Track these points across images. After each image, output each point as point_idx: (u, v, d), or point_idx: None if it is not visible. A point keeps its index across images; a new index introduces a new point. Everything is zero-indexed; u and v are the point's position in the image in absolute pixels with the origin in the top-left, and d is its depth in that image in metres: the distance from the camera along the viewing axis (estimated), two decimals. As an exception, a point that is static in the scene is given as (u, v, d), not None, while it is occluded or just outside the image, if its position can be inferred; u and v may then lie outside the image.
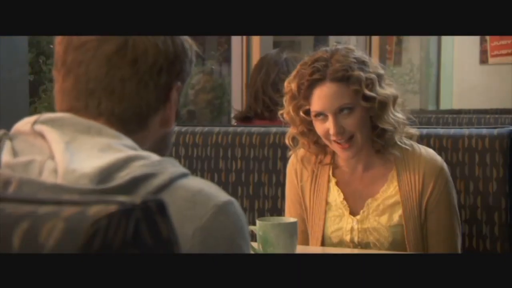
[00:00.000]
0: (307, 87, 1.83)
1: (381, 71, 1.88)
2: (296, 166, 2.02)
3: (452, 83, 6.39)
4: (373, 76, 1.84)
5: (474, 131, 2.15)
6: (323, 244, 1.96)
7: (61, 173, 0.83)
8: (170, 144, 1.05)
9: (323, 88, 1.82)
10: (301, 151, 2.02)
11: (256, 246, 1.70)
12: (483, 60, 6.22)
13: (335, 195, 1.95)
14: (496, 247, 2.07)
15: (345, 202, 1.94)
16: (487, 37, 6.16)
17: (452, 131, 2.17)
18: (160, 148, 1.01)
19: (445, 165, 1.92)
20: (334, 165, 1.98)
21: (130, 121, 0.95)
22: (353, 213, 1.93)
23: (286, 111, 1.91)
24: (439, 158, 1.92)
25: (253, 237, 1.74)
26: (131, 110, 0.95)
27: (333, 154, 1.96)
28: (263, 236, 1.68)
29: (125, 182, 0.82)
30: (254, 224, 1.74)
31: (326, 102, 1.82)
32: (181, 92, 1.02)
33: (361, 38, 5.44)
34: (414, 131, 1.96)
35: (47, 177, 0.84)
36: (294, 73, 1.89)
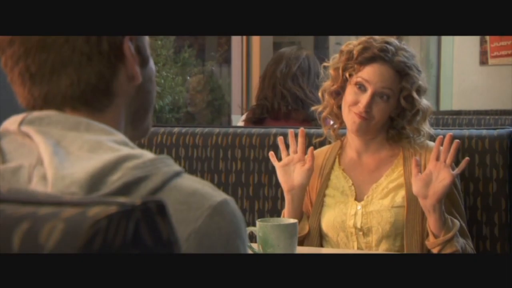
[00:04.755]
0: (369, 57, 1.92)
1: (426, 85, 1.99)
2: None
3: (452, 84, 6.38)
4: (423, 85, 1.95)
5: (474, 132, 2.15)
6: (321, 229, 1.99)
7: (51, 180, 0.81)
8: (153, 90, 1.00)
9: (382, 67, 1.92)
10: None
11: (256, 247, 1.70)
12: (483, 61, 6.21)
13: (342, 182, 2.00)
14: (496, 248, 2.07)
15: (353, 188, 1.98)
16: (487, 38, 6.15)
17: (452, 132, 2.17)
18: (145, 99, 0.99)
19: None
20: (341, 152, 2.05)
21: (95, 99, 0.91)
22: (358, 199, 1.97)
23: (335, 66, 1.99)
24: None
25: (253, 238, 1.74)
26: (88, 88, 0.90)
27: (343, 140, 2.05)
28: (263, 237, 1.68)
29: (116, 189, 0.80)
30: (254, 225, 1.74)
31: (377, 77, 1.91)
32: (140, 37, 0.96)
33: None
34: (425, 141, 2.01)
35: (36, 185, 0.82)
36: (360, 40, 1.97)
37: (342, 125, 2.04)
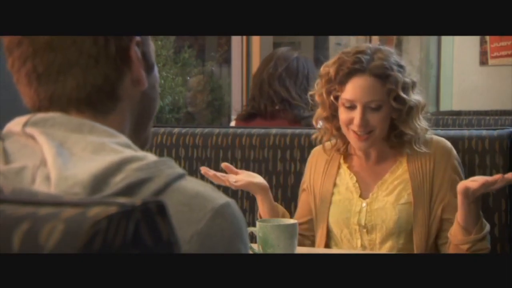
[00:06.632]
0: (345, 74, 1.90)
1: (415, 79, 1.96)
2: (312, 159, 2.10)
3: (452, 84, 6.37)
4: (409, 81, 1.92)
5: (474, 132, 2.15)
6: (328, 227, 2.00)
7: (54, 181, 0.81)
8: (156, 97, 1.01)
9: (360, 79, 1.89)
10: (319, 147, 2.10)
11: (256, 248, 1.70)
12: (483, 61, 6.21)
13: (347, 179, 2.01)
14: (496, 249, 2.07)
15: (357, 185, 1.99)
16: (487, 38, 6.15)
17: (452, 132, 2.17)
18: (148, 106, 0.99)
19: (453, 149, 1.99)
20: (347, 153, 2.05)
21: (100, 101, 0.92)
22: (363, 196, 1.98)
23: (319, 93, 1.98)
24: (448, 142, 1.99)
25: (253, 238, 1.74)
26: (93, 90, 0.91)
27: (348, 142, 2.03)
28: (263, 238, 1.68)
29: (119, 190, 0.80)
30: (254, 225, 1.74)
31: (360, 93, 1.89)
32: (146, 42, 0.96)
33: (361, 38, 5.44)
34: (428, 136, 2.00)
35: (39, 185, 0.82)
36: (334, 59, 1.95)
37: (348, 144, 2.03)
